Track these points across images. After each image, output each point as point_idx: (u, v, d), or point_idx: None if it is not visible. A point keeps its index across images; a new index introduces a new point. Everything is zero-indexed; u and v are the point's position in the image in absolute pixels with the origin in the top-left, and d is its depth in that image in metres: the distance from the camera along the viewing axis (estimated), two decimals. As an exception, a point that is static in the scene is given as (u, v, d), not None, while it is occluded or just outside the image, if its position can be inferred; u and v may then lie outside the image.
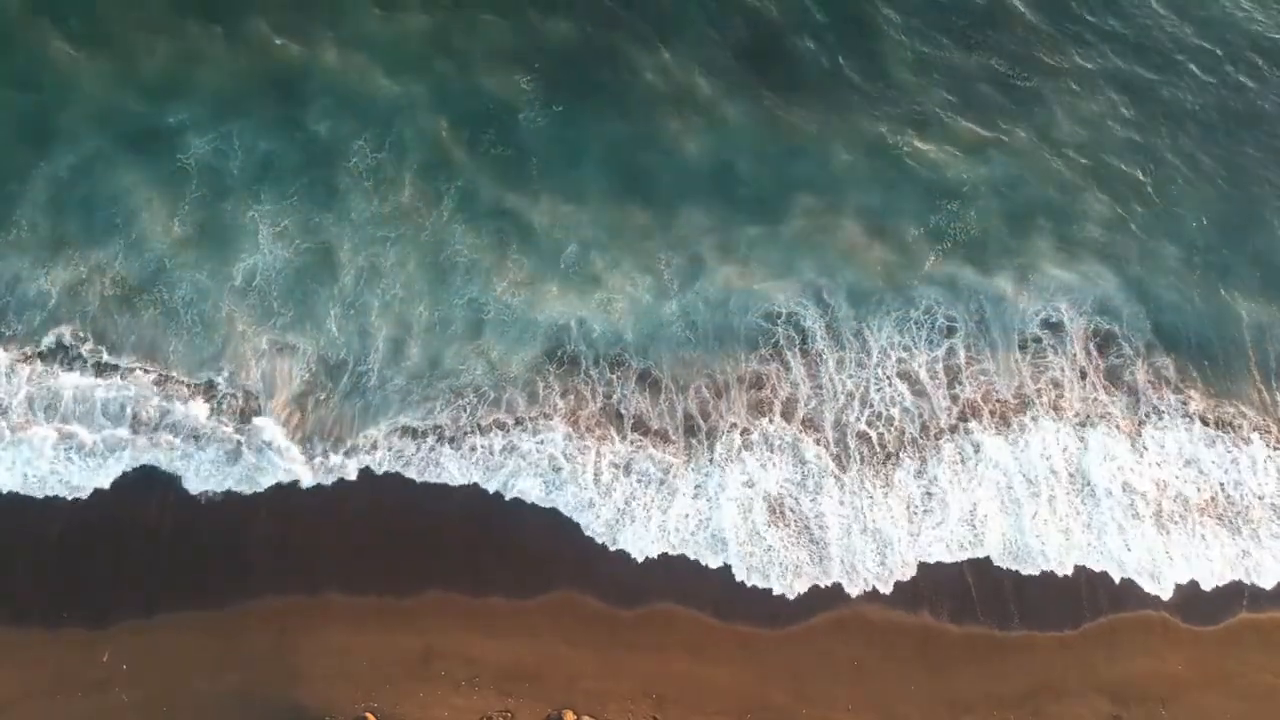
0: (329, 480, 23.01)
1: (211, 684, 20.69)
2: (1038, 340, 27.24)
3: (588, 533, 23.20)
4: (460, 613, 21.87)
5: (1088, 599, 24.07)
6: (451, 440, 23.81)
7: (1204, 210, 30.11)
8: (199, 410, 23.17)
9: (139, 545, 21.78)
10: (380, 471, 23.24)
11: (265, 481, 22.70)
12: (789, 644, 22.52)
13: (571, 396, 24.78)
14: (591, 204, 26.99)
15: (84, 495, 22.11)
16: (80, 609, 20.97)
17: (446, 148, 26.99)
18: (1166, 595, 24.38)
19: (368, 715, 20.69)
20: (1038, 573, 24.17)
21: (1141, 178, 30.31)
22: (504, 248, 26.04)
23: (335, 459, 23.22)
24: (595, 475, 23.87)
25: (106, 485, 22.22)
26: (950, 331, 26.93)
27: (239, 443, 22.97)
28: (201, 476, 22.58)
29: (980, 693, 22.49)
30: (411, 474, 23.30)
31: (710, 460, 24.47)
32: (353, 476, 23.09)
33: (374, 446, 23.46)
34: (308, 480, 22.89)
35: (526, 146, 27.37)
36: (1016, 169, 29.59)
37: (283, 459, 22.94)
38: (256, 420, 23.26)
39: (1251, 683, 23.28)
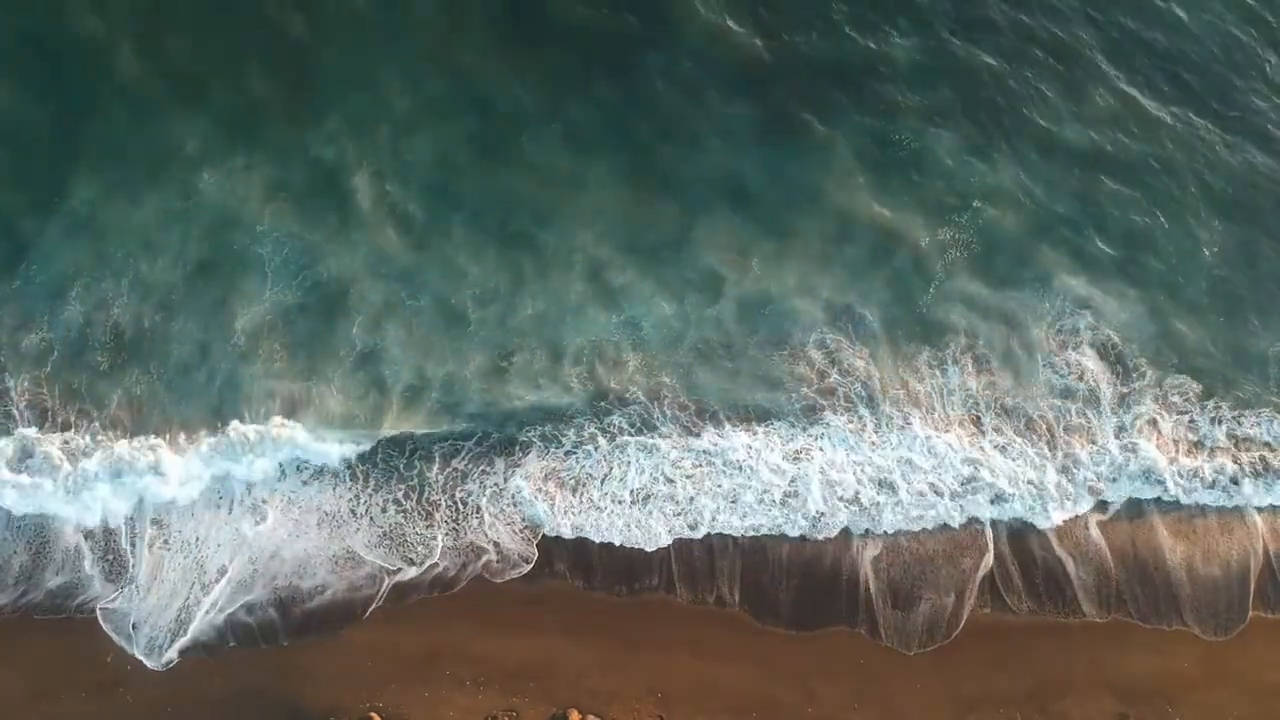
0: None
1: (215, 684, 20.77)
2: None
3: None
4: (465, 611, 21.89)
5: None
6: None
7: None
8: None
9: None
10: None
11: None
12: (795, 642, 22.44)
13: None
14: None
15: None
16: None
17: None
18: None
19: (372, 715, 20.68)
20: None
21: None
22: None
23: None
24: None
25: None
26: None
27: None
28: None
29: (985, 690, 22.38)
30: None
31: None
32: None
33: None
34: None
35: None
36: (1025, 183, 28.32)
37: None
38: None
39: (1260, 682, 23.12)
